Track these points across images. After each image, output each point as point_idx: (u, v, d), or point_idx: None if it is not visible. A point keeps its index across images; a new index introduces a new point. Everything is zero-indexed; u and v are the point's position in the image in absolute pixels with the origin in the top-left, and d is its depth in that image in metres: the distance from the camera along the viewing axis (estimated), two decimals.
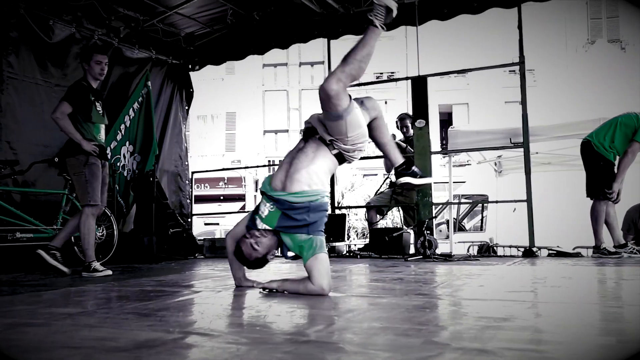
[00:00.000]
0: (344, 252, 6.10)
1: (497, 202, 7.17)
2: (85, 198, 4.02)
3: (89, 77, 4.13)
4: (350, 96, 2.52)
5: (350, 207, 12.13)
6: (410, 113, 6.14)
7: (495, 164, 8.18)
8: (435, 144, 6.96)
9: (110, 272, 3.99)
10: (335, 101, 2.41)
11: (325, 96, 2.42)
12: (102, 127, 4.24)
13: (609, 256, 4.73)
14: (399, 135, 6.36)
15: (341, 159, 2.64)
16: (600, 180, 4.82)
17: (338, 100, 2.42)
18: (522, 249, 5.32)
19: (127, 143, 6.44)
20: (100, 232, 5.27)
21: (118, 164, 6.21)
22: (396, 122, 6.32)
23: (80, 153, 3.97)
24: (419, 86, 6.03)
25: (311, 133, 2.65)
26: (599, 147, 4.82)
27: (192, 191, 7.70)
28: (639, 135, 4.74)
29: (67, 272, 3.98)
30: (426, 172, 5.81)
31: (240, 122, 24.66)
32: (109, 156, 4.36)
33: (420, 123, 5.92)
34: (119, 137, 6.28)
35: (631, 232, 6.12)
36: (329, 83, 2.39)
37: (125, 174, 6.40)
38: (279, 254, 2.80)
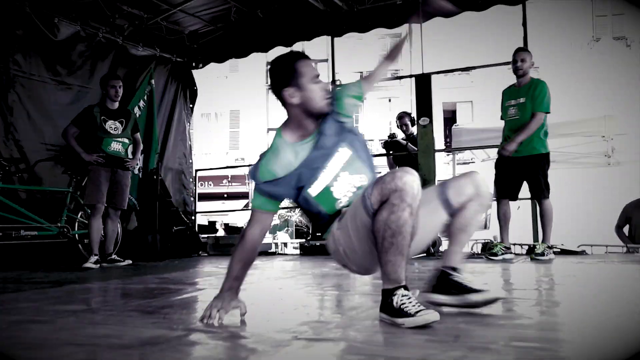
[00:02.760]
0: None
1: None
2: (86, 198, 4.78)
3: (107, 100, 4.81)
4: None
5: None
6: (414, 111, 6.13)
7: None
8: (439, 142, 6.96)
9: (94, 267, 4.52)
10: None
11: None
12: (118, 141, 4.80)
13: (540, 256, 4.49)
14: (400, 134, 6.37)
15: None
16: (546, 178, 4.53)
17: None
18: (526, 247, 5.29)
19: (129, 141, 6.43)
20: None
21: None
22: (396, 121, 6.33)
23: (85, 162, 4.70)
24: (423, 84, 6.02)
25: None
26: (538, 146, 4.54)
27: (196, 189, 7.71)
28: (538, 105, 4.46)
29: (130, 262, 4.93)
30: (430, 170, 5.82)
31: (244, 120, 24.67)
32: (125, 163, 4.87)
33: (424, 121, 5.91)
34: None
35: (623, 227, 6.15)
36: None
37: (137, 172, 6.41)
38: None
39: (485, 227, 8.18)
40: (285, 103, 1.94)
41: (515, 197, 4.69)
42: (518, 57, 4.57)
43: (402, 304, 1.67)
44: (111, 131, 4.75)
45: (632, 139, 6.88)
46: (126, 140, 4.89)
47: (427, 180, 5.84)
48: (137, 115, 6.48)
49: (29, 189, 5.13)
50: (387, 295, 1.72)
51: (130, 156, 4.97)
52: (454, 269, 1.97)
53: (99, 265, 4.57)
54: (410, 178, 1.67)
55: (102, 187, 4.67)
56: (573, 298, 2.41)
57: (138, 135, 5.13)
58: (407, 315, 1.64)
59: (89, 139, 4.71)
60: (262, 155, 1.96)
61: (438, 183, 2.10)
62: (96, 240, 4.66)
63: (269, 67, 1.99)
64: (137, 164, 5.89)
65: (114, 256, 4.89)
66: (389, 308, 1.70)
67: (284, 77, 1.89)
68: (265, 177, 1.89)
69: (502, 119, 4.81)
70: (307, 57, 1.96)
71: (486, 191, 1.95)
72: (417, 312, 1.64)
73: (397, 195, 1.66)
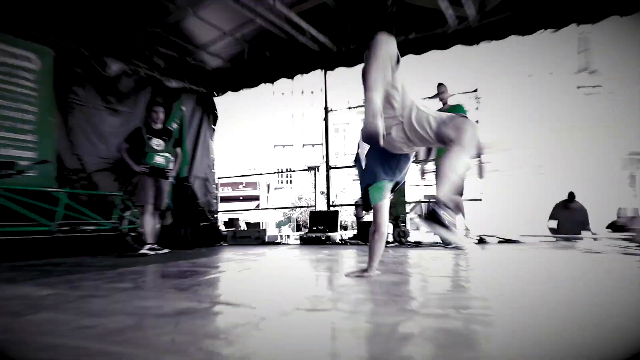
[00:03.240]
0: (337, 241, 6.12)
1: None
2: (137, 200, 4.79)
3: (151, 121, 4.86)
4: None
5: (342, 205, 12.14)
6: None
7: None
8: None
9: (149, 253, 4.58)
10: None
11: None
12: (161, 155, 4.78)
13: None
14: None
15: None
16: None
17: None
18: (477, 237, 5.34)
19: (170, 155, 6.48)
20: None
21: None
22: None
23: (134, 171, 4.76)
24: None
25: None
26: None
27: (217, 192, 7.71)
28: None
29: (167, 250, 4.83)
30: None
31: (255, 138, 24.66)
32: (166, 173, 4.84)
33: None
34: None
35: (553, 221, 6.22)
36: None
37: (172, 180, 6.43)
38: None
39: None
40: None
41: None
42: (439, 90, 4.85)
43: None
44: (155, 147, 4.77)
45: (556, 154, 6.97)
46: (168, 155, 4.86)
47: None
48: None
49: (88, 193, 5.14)
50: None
51: (170, 167, 4.92)
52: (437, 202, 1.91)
53: (152, 252, 4.61)
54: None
55: (149, 191, 4.71)
56: (512, 277, 2.44)
57: (179, 149, 5.10)
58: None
59: (137, 153, 4.73)
60: None
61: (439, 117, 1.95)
62: (149, 232, 4.68)
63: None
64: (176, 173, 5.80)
65: (155, 245, 4.88)
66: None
67: None
68: None
69: None
70: None
71: (465, 138, 1.84)
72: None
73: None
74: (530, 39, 5.38)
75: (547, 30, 5.57)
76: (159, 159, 4.79)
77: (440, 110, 4.77)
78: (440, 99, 4.84)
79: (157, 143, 4.80)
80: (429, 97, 5.87)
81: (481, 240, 5.13)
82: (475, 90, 4.70)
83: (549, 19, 5.37)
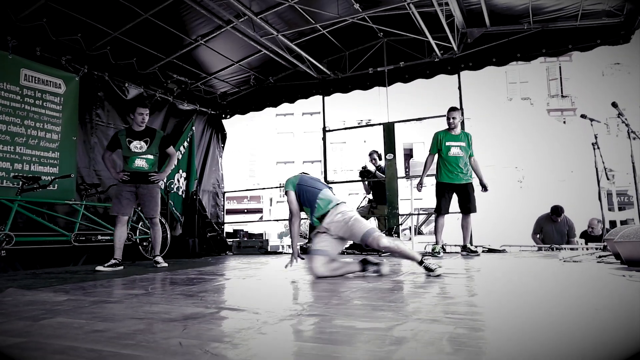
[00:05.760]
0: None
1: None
2: (111, 210, 4.10)
3: (134, 124, 4.13)
4: None
5: None
6: (380, 149, 6.19)
7: None
8: (400, 171, 7.00)
9: (104, 269, 3.75)
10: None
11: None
12: (142, 157, 4.07)
13: (471, 253, 4.55)
14: (371, 166, 6.40)
15: None
16: (474, 199, 4.59)
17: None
18: (461, 247, 5.28)
19: (181, 171, 6.48)
20: None
21: (172, 186, 6.23)
22: (368, 156, 6.39)
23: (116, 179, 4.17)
24: (389, 129, 6.10)
25: None
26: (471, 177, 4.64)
27: (224, 206, 7.68)
28: (472, 152, 4.64)
29: (165, 265, 4.17)
30: (394, 192, 5.85)
31: (259, 156, 24.73)
32: (150, 177, 4.10)
33: (389, 156, 5.97)
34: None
35: (538, 234, 6.13)
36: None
37: (180, 194, 6.42)
38: None
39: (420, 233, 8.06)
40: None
41: (448, 212, 4.67)
42: (451, 115, 4.63)
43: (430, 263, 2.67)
44: (135, 150, 4.06)
45: (536, 169, 6.98)
46: (150, 157, 4.11)
47: (392, 199, 5.87)
48: (182, 152, 6.50)
49: (105, 206, 5.10)
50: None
51: (155, 170, 4.18)
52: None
53: (113, 268, 3.80)
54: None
55: (123, 201, 3.99)
56: (496, 283, 2.41)
57: (171, 149, 4.31)
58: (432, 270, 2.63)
59: (122, 158, 4.17)
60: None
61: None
62: (117, 245, 3.93)
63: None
64: (169, 178, 4.98)
65: (157, 258, 4.21)
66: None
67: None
68: None
69: (432, 152, 4.69)
70: None
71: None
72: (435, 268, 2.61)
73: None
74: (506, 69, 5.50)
75: (519, 62, 5.77)
76: (140, 163, 4.08)
77: (448, 133, 4.63)
78: (450, 124, 4.62)
79: (137, 145, 4.09)
80: (430, 118, 5.83)
81: (466, 249, 5.08)
82: (459, 110, 4.69)
83: (520, 51, 5.57)
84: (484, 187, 4.60)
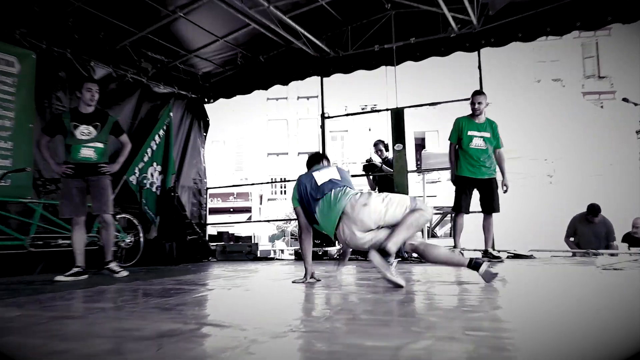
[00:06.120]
0: (335, 256, 6.07)
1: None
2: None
3: (81, 103, 3.91)
4: None
5: None
6: (390, 138, 6.17)
7: None
8: (411, 164, 6.99)
9: (64, 279, 3.67)
10: None
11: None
12: (89, 146, 3.87)
13: (494, 259, 4.54)
14: (377, 158, 6.38)
15: None
16: (498, 197, 4.60)
17: None
18: (483, 252, 5.29)
19: (155, 164, 6.42)
20: (128, 239, 5.23)
21: (145, 181, 6.18)
22: (372, 147, 6.36)
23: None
24: (397, 116, 6.08)
25: None
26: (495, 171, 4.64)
27: (207, 204, 7.67)
28: (499, 143, 4.64)
29: (126, 273, 4.02)
30: (404, 188, 5.84)
31: (247, 146, 24.70)
32: (99, 168, 3.92)
33: (398, 147, 5.95)
34: (145, 159, 6.25)
35: (572, 237, 6.13)
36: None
37: (154, 190, 6.37)
38: None
39: (451, 235, 8.15)
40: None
41: (468, 211, 4.69)
42: (476, 100, 4.61)
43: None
44: (82, 137, 3.84)
45: (569, 162, 6.99)
46: (100, 145, 3.91)
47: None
48: (157, 142, 6.46)
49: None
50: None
51: (106, 161, 4.01)
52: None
53: (75, 277, 3.72)
54: None
55: (75, 199, 3.82)
56: (524, 294, 2.40)
57: (124, 137, 4.12)
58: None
59: (64, 146, 3.93)
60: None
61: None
62: (77, 251, 3.83)
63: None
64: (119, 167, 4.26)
65: (111, 266, 3.97)
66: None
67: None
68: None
69: (453, 141, 4.69)
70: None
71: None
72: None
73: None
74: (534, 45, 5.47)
75: (549, 37, 5.68)
76: (86, 152, 3.86)
77: (472, 120, 4.63)
78: (475, 110, 4.62)
79: (84, 131, 3.84)
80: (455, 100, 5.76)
81: (488, 254, 5.09)
82: (485, 95, 4.66)
83: (551, 25, 5.49)
84: (505, 187, 4.60)
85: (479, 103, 4.56)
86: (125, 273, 3.99)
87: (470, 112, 4.70)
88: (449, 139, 4.77)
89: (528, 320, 1.67)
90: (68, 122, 3.85)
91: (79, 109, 3.92)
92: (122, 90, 6.12)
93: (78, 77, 5.50)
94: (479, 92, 4.65)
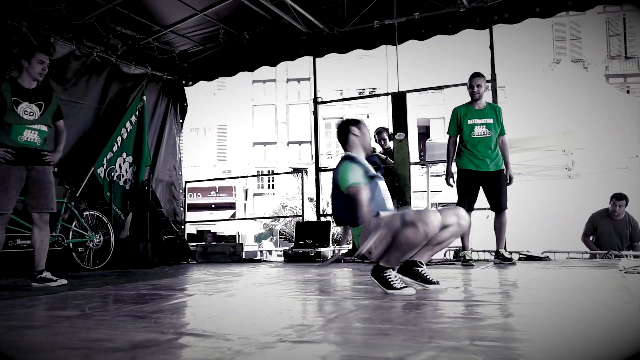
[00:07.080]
0: (329, 257, 6.09)
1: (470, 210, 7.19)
2: None
3: (25, 76, 3.65)
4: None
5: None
6: (390, 126, 6.17)
7: None
8: (414, 155, 7.03)
9: None
10: None
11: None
12: (33, 128, 3.62)
13: (505, 261, 4.56)
14: (378, 148, 6.37)
15: None
16: (506, 192, 4.61)
17: None
18: (494, 253, 5.33)
19: (125, 154, 6.38)
20: (97, 239, 5.22)
21: (112, 174, 6.14)
22: (374, 135, 6.31)
23: None
24: (399, 101, 6.09)
25: None
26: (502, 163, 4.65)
27: (185, 200, 7.65)
28: (503, 130, 4.66)
29: (65, 282, 3.68)
30: (406, 181, 5.87)
31: (230, 135, 24.61)
32: (43, 156, 3.70)
33: (400, 136, 5.96)
34: (115, 148, 6.22)
35: (591, 235, 6.17)
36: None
37: (122, 184, 6.34)
38: None
39: None
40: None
41: (473, 208, 4.68)
42: (474, 82, 4.58)
43: (390, 279, 2.51)
44: (25, 116, 3.57)
45: (590, 153, 7.03)
46: (44, 128, 3.69)
47: (403, 190, 5.89)
48: (129, 129, 6.42)
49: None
50: (380, 269, 2.53)
51: (49, 148, 3.81)
52: (421, 263, 2.74)
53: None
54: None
55: (12, 191, 3.51)
56: (538, 300, 2.43)
57: (62, 122, 3.92)
58: (394, 288, 2.48)
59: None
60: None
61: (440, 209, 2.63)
62: None
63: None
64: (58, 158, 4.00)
65: (45, 274, 3.62)
66: (381, 279, 2.53)
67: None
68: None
69: (452, 134, 4.71)
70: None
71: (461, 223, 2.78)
72: (401, 287, 2.49)
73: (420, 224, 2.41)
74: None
75: (569, 13, 5.68)
76: (30, 135, 3.60)
77: (471, 107, 4.63)
78: (473, 95, 4.62)
79: (29, 110, 3.59)
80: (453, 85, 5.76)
81: (499, 256, 5.13)
82: (494, 80, 4.67)
83: None
84: (509, 179, 4.62)
85: (478, 86, 4.56)
86: (63, 281, 3.66)
87: (468, 99, 4.69)
88: (447, 133, 4.77)
89: (543, 330, 1.69)
90: (9, 95, 3.53)
91: (19, 82, 3.64)
92: (87, 71, 6.06)
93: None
94: (476, 74, 4.66)
